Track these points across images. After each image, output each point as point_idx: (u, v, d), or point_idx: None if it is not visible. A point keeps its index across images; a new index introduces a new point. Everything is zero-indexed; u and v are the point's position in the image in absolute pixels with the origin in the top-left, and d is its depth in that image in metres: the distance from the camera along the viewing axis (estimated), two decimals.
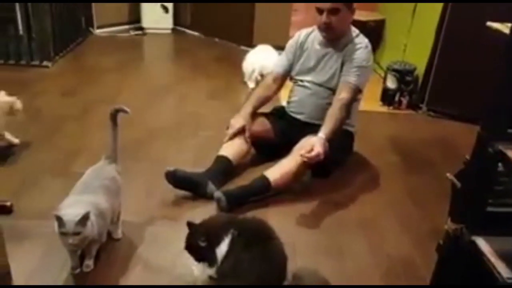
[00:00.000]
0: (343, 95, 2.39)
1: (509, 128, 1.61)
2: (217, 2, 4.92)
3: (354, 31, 2.53)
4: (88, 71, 4.02)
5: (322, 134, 2.26)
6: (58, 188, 2.12)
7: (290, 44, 2.66)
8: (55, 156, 2.62)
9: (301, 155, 2.18)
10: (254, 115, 2.60)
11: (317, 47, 2.56)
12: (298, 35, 2.64)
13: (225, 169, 2.39)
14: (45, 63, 3.95)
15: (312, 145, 2.18)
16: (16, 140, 2.64)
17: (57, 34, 4.08)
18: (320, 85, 2.54)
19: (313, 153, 2.16)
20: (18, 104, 2.58)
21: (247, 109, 2.57)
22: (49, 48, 3.99)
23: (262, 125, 2.61)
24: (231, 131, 2.50)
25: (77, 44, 4.55)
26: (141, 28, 5.17)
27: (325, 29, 2.43)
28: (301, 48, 2.61)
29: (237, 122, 2.52)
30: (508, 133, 1.58)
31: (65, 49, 4.28)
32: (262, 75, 3.62)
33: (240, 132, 2.50)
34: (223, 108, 3.40)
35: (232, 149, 2.46)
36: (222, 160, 2.40)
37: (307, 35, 2.61)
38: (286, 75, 2.68)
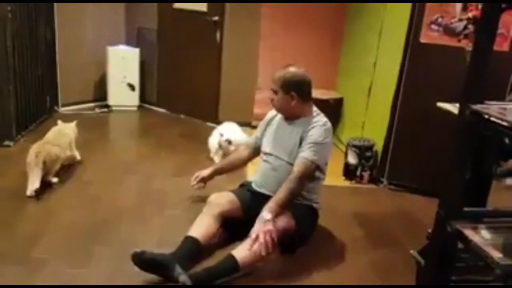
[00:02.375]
0: (295, 168, 2.50)
1: (465, 206, 1.70)
2: (183, 80, 5.09)
3: (315, 111, 2.68)
4: None
5: (267, 212, 2.33)
6: (18, 277, 2.03)
7: (262, 121, 2.91)
8: (15, 241, 2.51)
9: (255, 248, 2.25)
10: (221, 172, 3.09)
11: (282, 123, 2.72)
12: (269, 114, 2.86)
13: (193, 250, 2.35)
14: (6, 142, 3.87)
15: (256, 233, 2.27)
16: (78, 157, 3.57)
17: (21, 114, 4.06)
18: (281, 159, 2.65)
19: (258, 243, 2.23)
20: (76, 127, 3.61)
21: (214, 167, 3.09)
22: (12, 127, 3.93)
23: (232, 203, 2.63)
24: (194, 181, 2.98)
25: (41, 122, 4.52)
26: (107, 106, 5.22)
27: (272, 105, 2.68)
28: (268, 124, 2.81)
29: (200, 173, 3.00)
30: (464, 211, 1.66)
31: (28, 128, 4.24)
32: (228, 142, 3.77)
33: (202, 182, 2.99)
34: (189, 185, 3.40)
35: (201, 229, 2.44)
36: (190, 241, 2.38)
37: (276, 113, 2.79)
38: (255, 148, 2.91)
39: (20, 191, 3.08)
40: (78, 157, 3.57)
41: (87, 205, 3.00)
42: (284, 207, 2.42)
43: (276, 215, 2.36)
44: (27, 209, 2.85)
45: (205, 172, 3.00)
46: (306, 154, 2.51)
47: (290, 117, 2.67)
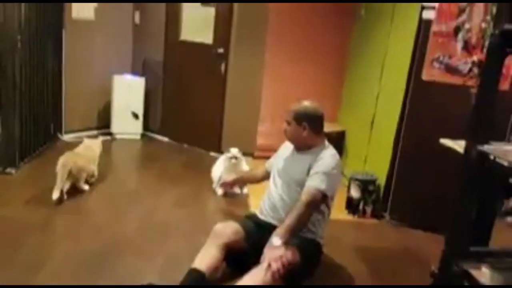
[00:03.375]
0: (303, 196, 2.53)
1: (471, 245, 1.70)
2: (187, 110, 5.15)
3: (326, 143, 2.74)
4: (54, 178, 3.92)
5: (277, 238, 2.34)
6: None
7: (278, 150, 3.00)
8: (16, 270, 2.49)
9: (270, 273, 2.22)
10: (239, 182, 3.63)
11: (293, 153, 2.79)
12: (285, 144, 2.93)
13: (198, 283, 2.32)
14: (8, 170, 3.86)
15: (267, 260, 2.25)
16: (96, 173, 3.76)
17: (24, 140, 4.07)
18: (289, 187, 2.68)
19: (271, 270, 2.21)
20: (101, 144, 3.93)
21: (236, 175, 3.52)
22: (15, 154, 3.94)
23: (237, 234, 2.61)
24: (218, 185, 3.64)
25: (43, 149, 4.53)
26: (110, 134, 5.26)
27: (285, 135, 2.76)
28: (282, 152, 2.89)
29: (229, 176, 3.53)
30: (471, 251, 1.66)
31: (31, 155, 4.24)
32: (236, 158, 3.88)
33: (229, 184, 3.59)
34: (191, 216, 3.41)
35: (206, 260, 2.42)
36: (195, 274, 2.35)
37: (290, 144, 2.85)
38: (267, 171, 3.03)
39: (23, 220, 3.08)
40: (96, 173, 3.77)
41: (88, 235, 2.98)
42: (293, 234, 2.41)
43: (285, 242, 2.35)
44: (29, 239, 2.83)
45: (229, 178, 3.51)
46: (314, 182, 2.54)
47: (301, 147, 2.73)
